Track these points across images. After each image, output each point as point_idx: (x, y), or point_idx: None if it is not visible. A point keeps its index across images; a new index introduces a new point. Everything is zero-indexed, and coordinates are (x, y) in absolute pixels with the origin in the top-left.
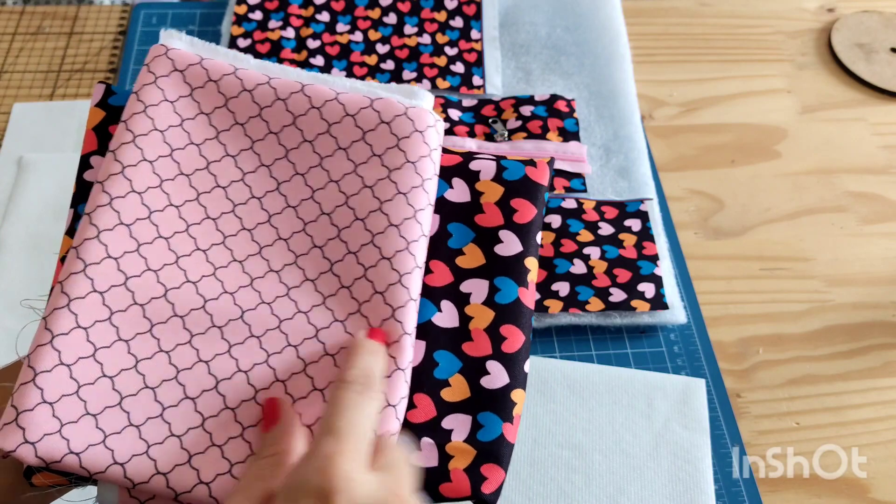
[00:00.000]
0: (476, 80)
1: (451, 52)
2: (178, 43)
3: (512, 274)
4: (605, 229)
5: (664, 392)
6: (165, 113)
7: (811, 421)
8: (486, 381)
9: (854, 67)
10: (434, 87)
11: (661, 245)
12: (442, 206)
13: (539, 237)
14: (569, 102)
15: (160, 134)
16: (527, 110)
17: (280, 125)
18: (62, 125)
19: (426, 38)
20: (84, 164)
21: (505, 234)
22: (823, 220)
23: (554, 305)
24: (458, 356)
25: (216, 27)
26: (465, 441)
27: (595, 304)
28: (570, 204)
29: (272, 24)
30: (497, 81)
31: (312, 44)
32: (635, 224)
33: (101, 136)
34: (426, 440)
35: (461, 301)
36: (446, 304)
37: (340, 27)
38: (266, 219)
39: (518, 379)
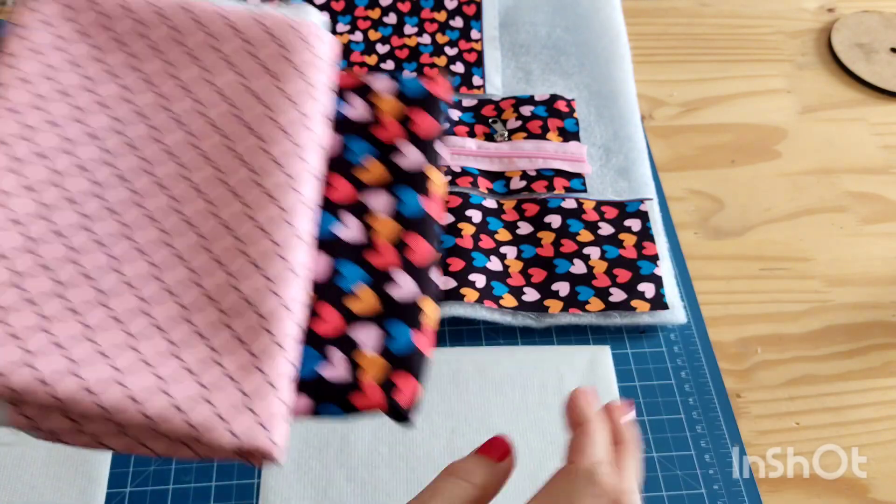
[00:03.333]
0: (476, 80)
1: (451, 52)
2: None
3: (413, 184)
4: (605, 229)
5: (572, 365)
6: (43, 34)
7: (811, 421)
8: (393, 291)
9: (854, 67)
10: None
11: (661, 245)
12: (340, 123)
13: (442, 148)
14: (569, 102)
15: (39, 54)
16: (527, 110)
17: (166, 44)
18: None
19: (426, 38)
20: None
21: (405, 146)
22: (823, 220)
23: (554, 305)
24: (363, 267)
25: None
26: (375, 352)
27: (595, 304)
28: (570, 204)
29: None
30: (497, 81)
31: None
32: (635, 224)
33: None
34: (335, 352)
35: (364, 213)
36: (349, 218)
37: (340, 27)
38: (157, 137)
39: (427, 288)
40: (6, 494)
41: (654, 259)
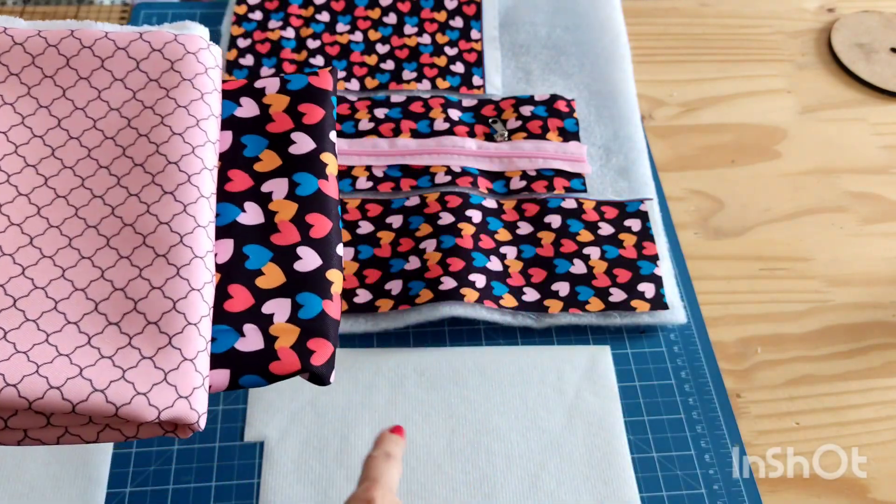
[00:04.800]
0: (476, 80)
1: (451, 52)
2: None
3: (309, 168)
4: (605, 229)
5: (572, 364)
6: None
7: (811, 421)
8: (299, 266)
9: (854, 67)
10: (434, 87)
11: (661, 245)
12: (233, 123)
13: (333, 135)
14: (569, 102)
15: None
16: (527, 110)
17: (54, 69)
18: None
19: (426, 38)
20: None
21: (297, 136)
22: (823, 220)
23: (554, 305)
24: (267, 247)
25: (216, 27)
26: (287, 321)
27: (595, 304)
28: (570, 204)
29: (272, 24)
30: (497, 81)
31: (312, 44)
32: (635, 224)
33: None
34: (249, 326)
35: (264, 200)
36: (250, 205)
37: (340, 27)
38: (50, 153)
39: (331, 260)
40: (6, 494)
41: (654, 259)
